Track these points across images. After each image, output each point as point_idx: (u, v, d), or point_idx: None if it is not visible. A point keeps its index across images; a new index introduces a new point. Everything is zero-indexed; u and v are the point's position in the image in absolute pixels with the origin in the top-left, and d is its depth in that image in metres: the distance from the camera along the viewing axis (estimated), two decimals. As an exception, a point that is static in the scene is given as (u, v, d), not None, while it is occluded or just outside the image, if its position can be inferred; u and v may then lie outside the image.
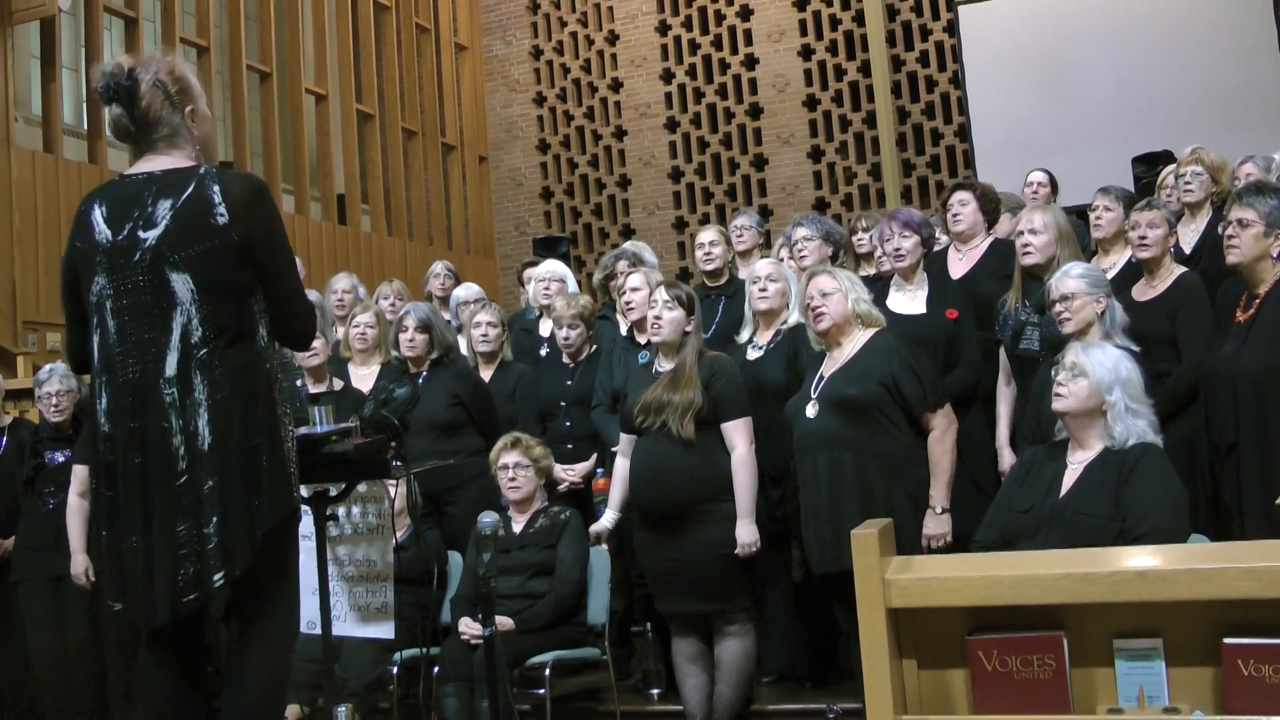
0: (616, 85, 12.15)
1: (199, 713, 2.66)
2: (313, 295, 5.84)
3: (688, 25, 11.93)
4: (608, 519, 4.46)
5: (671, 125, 11.93)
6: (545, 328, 5.61)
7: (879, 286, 4.59)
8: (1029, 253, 4.34)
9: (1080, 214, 5.49)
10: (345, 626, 3.67)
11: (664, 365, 4.26)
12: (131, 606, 2.54)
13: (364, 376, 5.24)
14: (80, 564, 4.77)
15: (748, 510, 4.06)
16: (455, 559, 4.71)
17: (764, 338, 4.55)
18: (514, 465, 4.54)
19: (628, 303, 4.93)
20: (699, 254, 5.25)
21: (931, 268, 4.59)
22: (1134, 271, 4.39)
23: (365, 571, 3.69)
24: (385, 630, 3.70)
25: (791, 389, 4.19)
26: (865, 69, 11.23)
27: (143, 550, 2.51)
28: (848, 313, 3.94)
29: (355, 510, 3.68)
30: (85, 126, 8.77)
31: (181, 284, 2.55)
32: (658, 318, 4.25)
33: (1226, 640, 1.83)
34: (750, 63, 11.69)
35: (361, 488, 3.52)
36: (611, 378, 4.87)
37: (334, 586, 3.58)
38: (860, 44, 11.28)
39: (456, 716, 4.18)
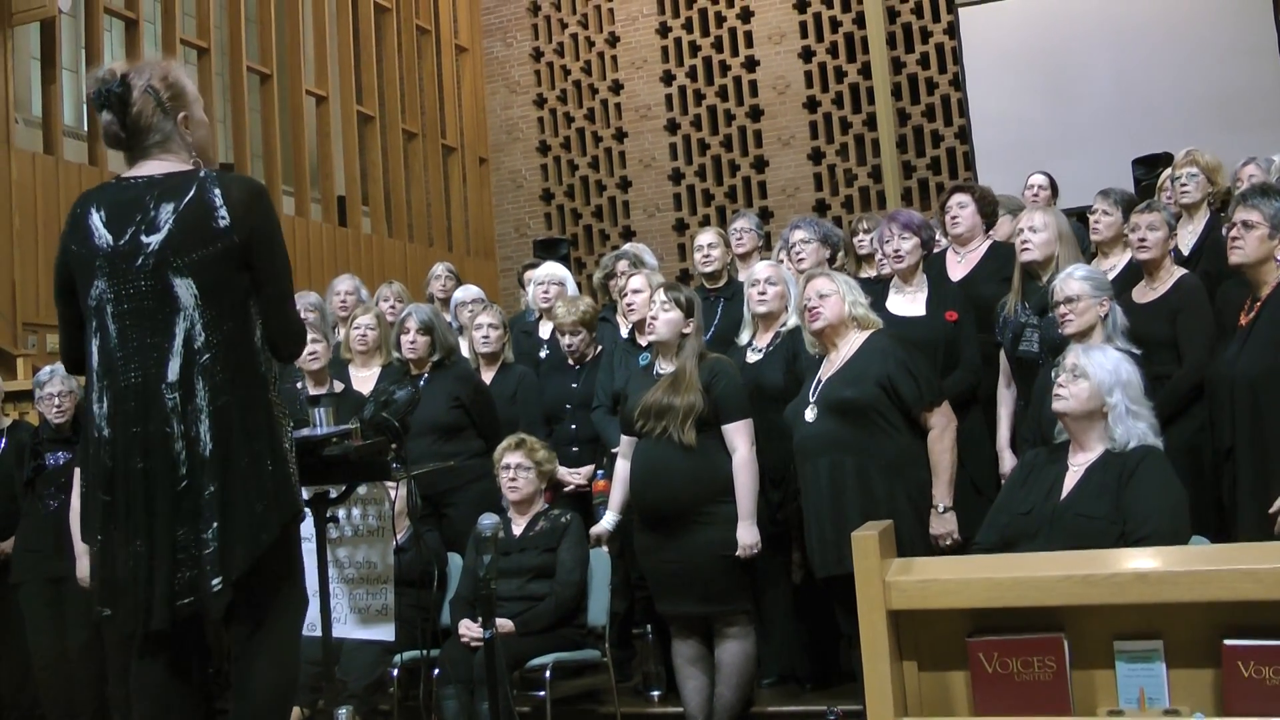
0: (617, 87, 12.15)
1: (198, 715, 2.65)
2: (313, 297, 5.86)
3: (688, 27, 11.94)
4: (608, 521, 4.46)
5: (672, 127, 11.94)
6: (545, 330, 5.61)
7: (879, 288, 4.59)
8: (1027, 249, 4.35)
9: (1080, 216, 5.50)
10: (345, 628, 3.68)
11: (664, 367, 4.26)
12: (123, 612, 2.54)
13: (364, 379, 5.23)
14: (85, 566, 4.77)
15: (748, 512, 4.05)
16: (455, 561, 4.71)
17: (763, 340, 4.55)
18: (515, 466, 4.54)
19: (629, 304, 4.93)
20: (697, 256, 5.24)
21: (930, 270, 4.59)
22: (1134, 274, 4.39)
23: (365, 573, 3.70)
24: (385, 632, 3.70)
25: (791, 391, 4.18)
26: (866, 71, 11.24)
27: (143, 556, 2.50)
28: (843, 315, 3.94)
29: (355, 512, 3.68)
30: (85, 128, 8.77)
31: (185, 289, 2.55)
32: (654, 318, 4.25)
33: (1227, 642, 1.83)
34: (751, 65, 11.70)
35: (362, 490, 3.52)
36: (612, 379, 4.87)
37: (334, 588, 3.58)
38: (861, 46, 11.29)
39: (456, 718, 4.18)
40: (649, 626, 4.69)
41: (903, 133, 11.17)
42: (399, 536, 4.31)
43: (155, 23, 9.21)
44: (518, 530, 4.54)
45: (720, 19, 11.82)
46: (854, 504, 3.73)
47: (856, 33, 11.31)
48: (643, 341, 4.77)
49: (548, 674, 4.25)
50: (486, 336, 5.32)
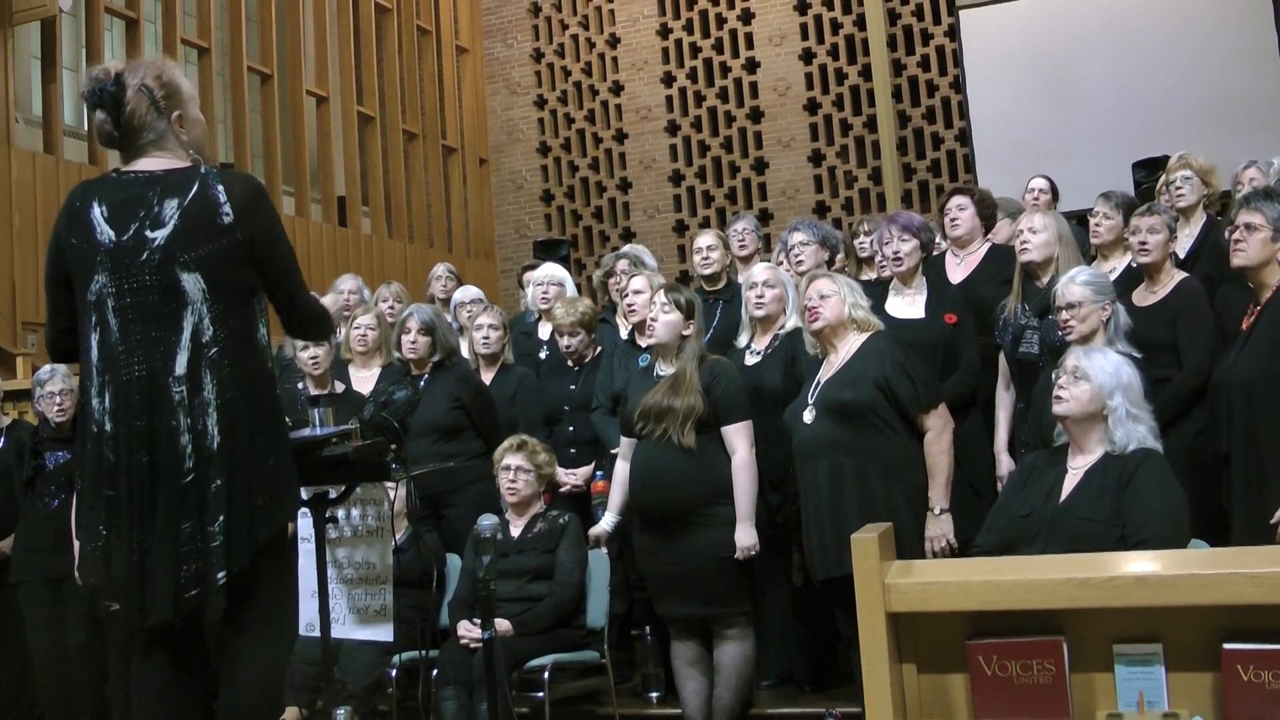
0: (617, 88, 12.16)
1: (198, 715, 2.65)
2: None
3: (689, 29, 11.94)
4: (607, 522, 4.46)
5: (672, 129, 11.94)
6: (544, 331, 5.60)
7: (879, 290, 4.59)
8: (1026, 250, 4.35)
9: (1081, 219, 5.50)
10: (344, 629, 3.67)
11: (664, 369, 4.26)
12: (128, 606, 2.54)
13: (364, 379, 5.23)
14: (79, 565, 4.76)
15: (747, 514, 4.05)
16: (454, 562, 4.70)
17: (762, 343, 4.55)
18: (515, 468, 4.54)
19: (629, 305, 4.92)
20: (697, 258, 5.23)
21: (930, 272, 4.59)
22: (1133, 277, 4.39)
23: (364, 574, 3.69)
24: (384, 633, 3.69)
25: (790, 394, 4.18)
26: (866, 73, 11.24)
27: (146, 550, 2.51)
28: (843, 316, 3.93)
29: (355, 512, 3.67)
30: (85, 128, 8.76)
31: (192, 283, 2.56)
32: (654, 319, 4.25)
33: (1226, 645, 1.83)
34: (751, 66, 11.70)
35: (361, 490, 3.52)
36: (611, 380, 4.87)
37: (333, 589, 3.57)
38: (861, 48, 11.29)
39: (455, 719, 4.18)
40: (648, 628, 4.69)
41: (903, 135, 11.17)
42: (398, 537, 4.31)
43: (156, 22, 9.21)
44: (516, 532, 4.53)
45: (721, 21, 11.83)
46: (852, 505, 3.73)
47: (857, 35, 11.31)
48: (643, 343, 4.77)
49: (546, 675, 4.25)
50: (486, 338, 5.31)
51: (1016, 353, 4.30)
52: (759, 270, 4.68)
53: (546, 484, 4.68)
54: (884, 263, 4.70)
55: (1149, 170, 6.92)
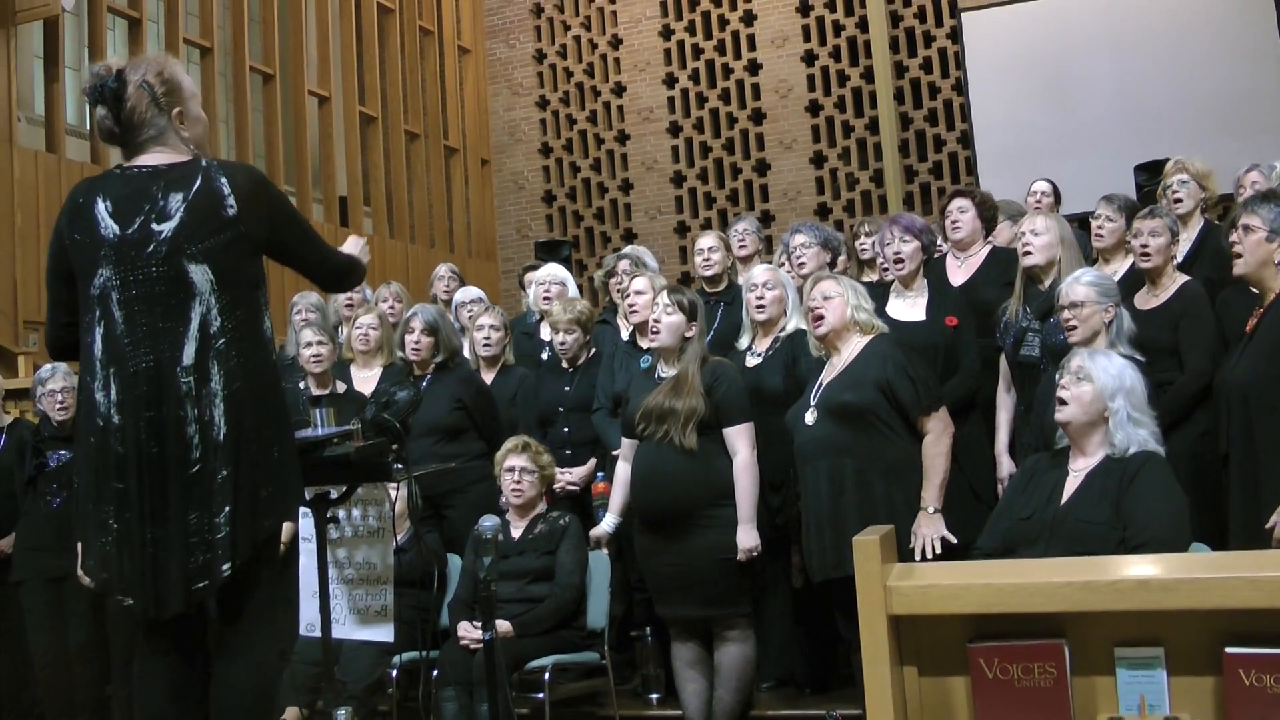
0: (619, 89, 12.15)
1: (199, 714, 2.65)
2: (313, 297, 5.86)
3: (691, 30, 11.94)
4: (608, 523, 4.46)
5: (674, 130, 11.94)
6: (546, 331, 5.60)
7: (880, 292, 4.59)
8: (1029, 252, 4.36)
9: (1082, 222, 5.49)
10: (345, 629, 3.67)
11: (666, 370, 4.26)
12: (142, 599, 2.54)
13: (366, 379, 5.23)
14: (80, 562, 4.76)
15: (749, 515, 4.05)
16: (454, 562, 4.70)
17: (762, 344, 4.55)
18: (520, 469, 4.54)
19: (631, 306, 4.92)
20: (698, 260, 5.23)
21: (930, 275, 4.59)
22: (1135, 280, 4.39)
23: (365, 574, 3.69)
24: (385, 633, 3.69)
25: (790, 396, 4.18)
26: (868, 75, 11.23)
27: (158, 541, 2.51)
28: (846, 319, 3.93)
29: (356, 513, 3.67)
30: (88, 126, 8.76)
31: (200, 274, 2.57)
32: (656, 321, 4.25)
33: (1228, 650, 1.83)
34: (753, 68, 11.70)
35: (362, 490, 3.52)
36: (613, 381, 4.87)
37: (334, 589, 3.58)
38: (863, 50, 11.28)
39: (455, 720, 4.18)
40: (648, 629, 4.69)
41: (905, 137, 11.17)
42: (399, 537, 4.31)
43: (158, 22, 9.21)
44: (517, 533, 4.53)
45: (723, 22, 11.82)
46: (852, 507, 3.73)
47: (859, 37, 11.31)
48: (644, 344, 4.77)
49: (547, 676, 4.25)
50: (488, 338, 5.31)
51: (1018, 355, 4.30)
52: (759, 272, 4.68)
53: (548, 485, 4.68)
54: (885, 264, 4.69)
55: (1151, 173, 6.91)
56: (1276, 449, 3.46)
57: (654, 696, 4.72)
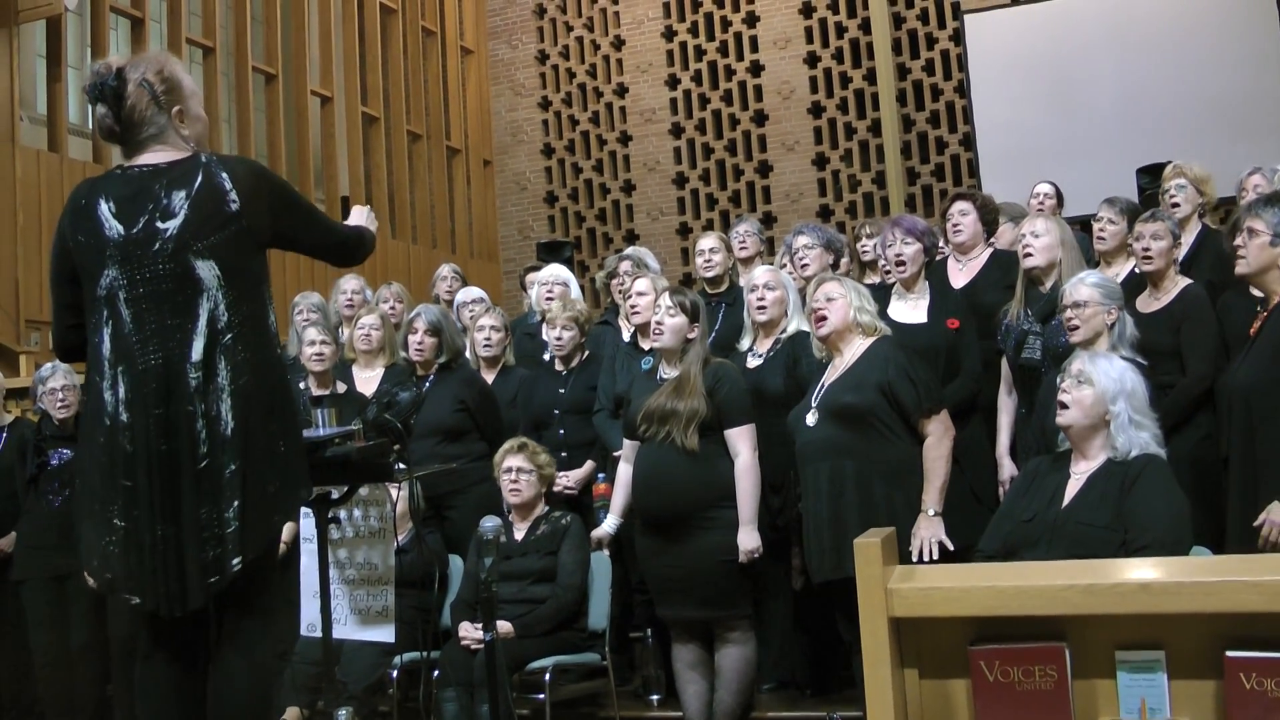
0: (622, 90, 12.15)
1: (200, 714, 2.66)
2: (315, 298, 5.85)
3: (694, 31, 11.93)
4: (609, 524, 4.46)
5: (676, 131, 11.93)
6: (548, 332, 5.60)
7: (882, 294, 4.59)
8: (1029, 254, 4.36)
9: (1084, 225, 5.49)
10: (345, 629, 3.67)
11: (668, 372, 4.26)
12: (153, 597, 2.53)
13: (367, 379, 5.22)
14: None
15: (750, 517, 4.05)
16: (456, 563, 4.70)
17: (764, 346, 4.55)
18: (517, 469, 4.54)
19: (633, 307, 4.92)
20: (699, 261, 5.23)
21: (932, 277, 4.59)
22: (1137, 283, 4.39)
23: (366, 574, 3.69)
24: (385, 633, 3.69)
25: (791, 397, 4.18)
26: (871, 77, 11.22)
27: (171, 539, 2.51)
28: (848, 320, 3.93)
29: (357, 513, 3.68)
30: (90, 126, 8.76)
31: (207, 270, 2.59)
32: (659, 323, 4.25)
33: (1229, 653, 1.83)
34: (756, 69, 11.69)
35: (363, 491, 3.53)
36: (614, 382, 4.87)
37: (335, 589, 3.58)
38: (866, 52, 11.27)
39: (456, 720, 4.18)
40: (649, 631, 4.69)
41: (907, 139, 11.16)
42: (400, 538, 4.30)
43: (161, 21, 9.21)
44: (519, 534, 4.54)
45: (726, 24, 11.82)
46: (853, 509, 3.73)
47: (862, 38, 11.30)
48: (646, 345, 4.77)
49: (548, 677, 4.26)
50: (488, 339, 5.31)
51: (1019, 358, 4.30)
52: (760, 273, 4.68)
53: (548, 485, 4.68)
54: (887, 266, 4.69)
55: (1153, 176, 6.89)
56: (1277, 453, 3.45)
57: (654, 698, 4.72)
